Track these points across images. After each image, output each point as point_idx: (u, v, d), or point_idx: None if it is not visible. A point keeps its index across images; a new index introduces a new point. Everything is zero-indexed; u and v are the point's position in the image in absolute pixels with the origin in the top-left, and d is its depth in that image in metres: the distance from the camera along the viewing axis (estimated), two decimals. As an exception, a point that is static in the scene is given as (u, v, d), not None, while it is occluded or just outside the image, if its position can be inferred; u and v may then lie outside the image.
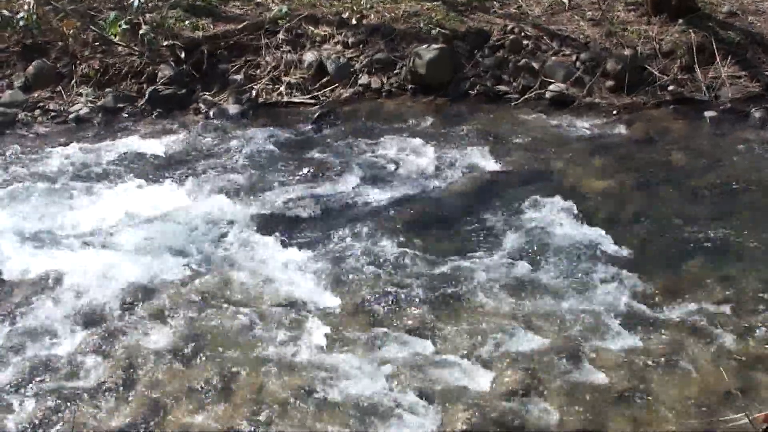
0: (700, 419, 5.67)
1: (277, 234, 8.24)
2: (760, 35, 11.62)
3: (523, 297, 7.04)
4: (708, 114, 10.51)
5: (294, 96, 11.66)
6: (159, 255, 7.84)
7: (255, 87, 11.73)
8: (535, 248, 7.77)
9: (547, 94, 11.20)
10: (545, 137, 10.25)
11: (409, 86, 11.60)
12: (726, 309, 6.75)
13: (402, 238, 7.97)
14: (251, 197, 8.94)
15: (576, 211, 8.28)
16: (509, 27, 12.01)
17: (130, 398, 6.13)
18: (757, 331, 6.57)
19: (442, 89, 11.51)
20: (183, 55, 11.92)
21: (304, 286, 7.37)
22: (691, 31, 11.49)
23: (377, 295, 7.15)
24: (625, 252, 7.57)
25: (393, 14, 12.34)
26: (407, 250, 7.78)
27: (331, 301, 7.16)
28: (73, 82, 11.89)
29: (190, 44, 12.07)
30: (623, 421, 5.70)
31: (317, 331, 6.78)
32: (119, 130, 10.98)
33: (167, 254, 7.86)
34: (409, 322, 6.81)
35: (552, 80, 11.31)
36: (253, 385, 6.18)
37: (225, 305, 7.12)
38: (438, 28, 11.90)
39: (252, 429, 5.78)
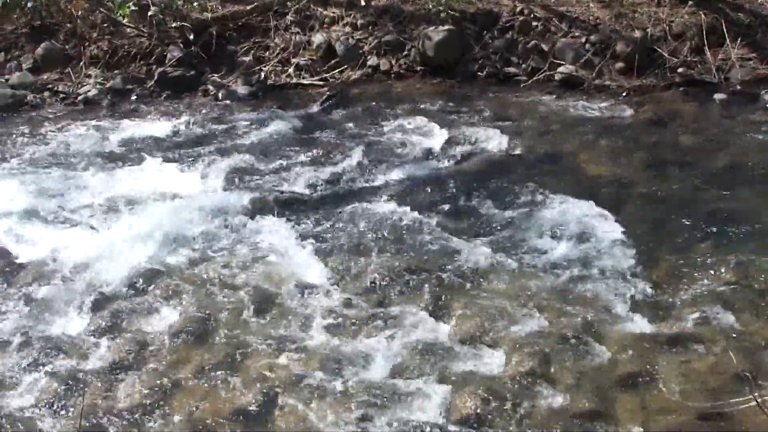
0: (709, 402, 5.66)
1: (286, 215, 8.24)
2: (771, 17, 11.59)
3: (532, 279, 7.03)
4: (718, 96, 10.49)
5: (303, 78, 11.67)
6: (167, 236, 7.84)
7: (264, 69, 11.73)
8: (544, 230, 7.76)
9: (557, 76, 11.19)
10: (554, 119, 10.24)
11: (418, 68, 11.61)
12: (735, 291, 6.73)
13: (411, 220, 7.96)
14: (260, 179, 8.95)
15: (585, 193, 8.26)
16: (518, 8, 11.98)
17: (138, 379, 6.12)
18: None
19: (450, 71, 11.51)
20: (192, 36, 11.90)
21: (312, 268, 7.36)
22: (701, 12, 11.45)
23: (386, 277, 7.15)
24: (634, 234, 7.55)
25: (402, -5, 12.32)
26: (416, 232, 7.78)
27: (340, 283, 7.16)
28: (81, 63, 11.92)
29: (198, 25, 12.07)
30: (631, 403, 5.70)
31: (326, 313, 6.77)
32: (128, 111, 11.01)
33: (176, 235, 7.86)
34: (419, 304, 6.80)
35: (561, 62, 11.30)
36: (261, 367, 6.17)
37: (233, 287, 7.12)
38: (447, 10, 11.87)
39: (260, 411, 5.79)
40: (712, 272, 7.02)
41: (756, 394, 5.22)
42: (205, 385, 6.05)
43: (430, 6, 12.00)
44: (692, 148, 9.34)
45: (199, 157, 9.49)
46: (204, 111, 10.88)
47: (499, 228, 7.88)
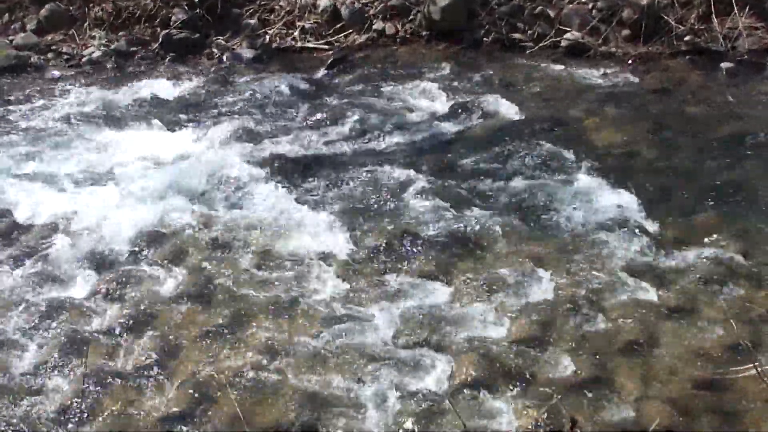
0: (708, 369, 5.68)
1: (290, 179, 8.25)
2: (779, -15, 11.49)
3: (536, 245, 7.03)
4: (724, 65, 10.42)
5: (308, 41, 11.64)
6: (171, 199, 7.87)
7: (269, 32, 11.69)
8: (548, 196, 7.75)
9: (563, 43, 11.13)
10: (560, 86, 10.21)
11: (424, 33, 11.55)
12: (738, 260, 6.73)
13: (415, 185, 7.96)
14: (264, 142, 8.95)
15: (590, 160, 8.26)
16: (525, -27, 11.90)
17: (141, 341, 6.17)
18: (769, 283, 6.58)
19: (456, 36, 11.46)
20: (197, -2, 11.86)
21: (316, 232, 7.37)
22: (709, -21, 11.37)
23: (390, 242, 7.15)
24: (638, 201, 7.53)
25: (408, -41, 12.22)
26: (420, 196, 7.79)
27: (344, 247, 7.17)
28: (86, 25, 11.89)
29: (204, -13, 12.01)
30: (632, 370, 5.71)
31: (329, 277, 6.80)
32: (132, 74, 10.99)
33: (179, 199, 7.89)
34: (422, 269, 6.82)
35: (568, 28, 11.23)
36: (263, 330, 6.20)
37: (236, 250, 7.15)
38: (453, -26, 11.79)
39: (262, 374, 5.82)
40: (716, 241, 7.02)
41: (756, 363, 5.24)
42: (208, 347, 6.09)
43: (437, -30, 11.91)
44: (697, 117, 9.30)
45: (203, 120, 9.49)
46: (208, 74, 10.87)
47: (503, 193, 7.87)
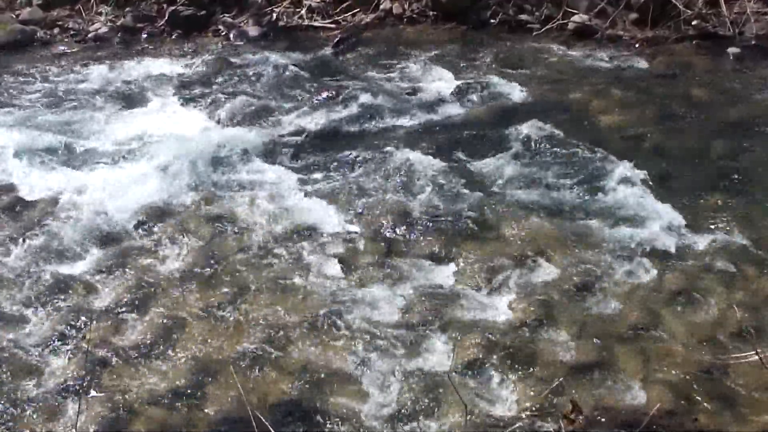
0: (711, 355, 5.69)
1: (295, 158, 8.27)
2: (788, -30, 11.45)
3: (540, 227, 7.02)
4: (731, 50, 10.40)
5: (314, 20, 11.62)
6: (175, 176, 7.86)
7: (275, 10, 11.67)
8: (554, 179, 7.75)
9: (570, 25, 11.11)
10: (566, 68, 10.19)
11: (431, 13, 11.54)
12: (743, 246, 6.72)
13: (420, 166, 7.95)
14: (269, 121, 8.95)
15: (595, 143, 8.24)
16: (533, -45, 11.86)
17: (144, 318, 6.18)
18: (773, 269, 6.58)
19: (463, 17, 11.45)
20: (203, -25, 11.83)
21: (320, 211, 7.37)
22: (718, -37, 11.32)
23: (394, 222, 7.15)
24: (643, 186, 7.52)
25: (416, -62, 12.18)
26: (425, 177, 7.78)
27: (348, 227, 7.17)
28: (92, 0, 11.84)
29: (210, -36, 11.98)
30: (634, 354, 5.72)
31: (333, 257, 6.79)
32: (138, 50, 10.99)
33: (183, 176, 7.88)
34: (426, 249, 6.82)
35: (575, 11, 11.21)
36: (267, 309, 6.21)
37: (240, 228, 7.15)
38: (461, -46, 11.76)
39: (265, 352, 5.83)
40: (721, 225, 7.01)
41: (759, 349, 5.25)
42: (210, 324, 6.09)
43: (445, -50, 11.88)
44: (704, 102, 9.28)
45: (208, 98, 9.48)
46: (214, 51, 10.86)
47: (507, 175, 7.86)
